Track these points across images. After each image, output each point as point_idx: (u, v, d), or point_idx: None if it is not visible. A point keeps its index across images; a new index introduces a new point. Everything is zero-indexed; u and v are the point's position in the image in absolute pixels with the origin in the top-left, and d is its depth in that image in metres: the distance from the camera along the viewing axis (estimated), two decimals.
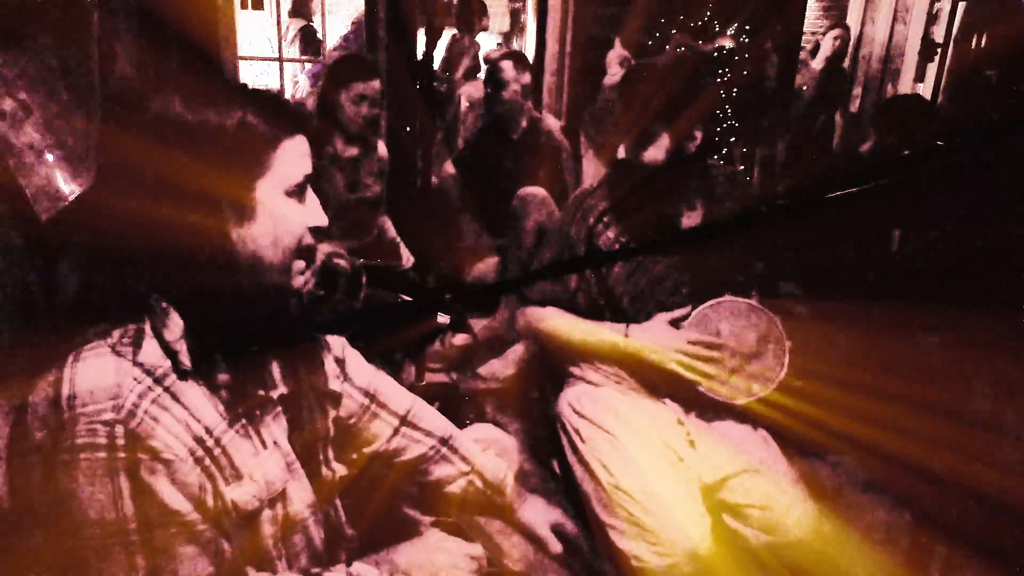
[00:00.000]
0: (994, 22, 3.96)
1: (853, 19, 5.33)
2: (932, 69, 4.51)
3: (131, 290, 0.91)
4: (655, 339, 1.62)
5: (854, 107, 5.26)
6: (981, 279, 1.94)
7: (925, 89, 4.57)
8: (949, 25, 4.34)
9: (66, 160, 1.42)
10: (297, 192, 0.98)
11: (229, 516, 0.94)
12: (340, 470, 1.25)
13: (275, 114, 0.96)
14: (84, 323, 0.91)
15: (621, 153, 1.72)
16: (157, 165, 0.89)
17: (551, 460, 1.83)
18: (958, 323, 1.94)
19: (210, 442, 0.91)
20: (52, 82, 1.44)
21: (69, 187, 1.40)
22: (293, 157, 0.97)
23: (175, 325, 0.91)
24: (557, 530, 1.36)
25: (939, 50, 4.46)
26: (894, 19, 4.95)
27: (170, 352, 0.90)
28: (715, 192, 1.78)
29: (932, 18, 4.62)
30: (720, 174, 1.83)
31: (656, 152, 1.66)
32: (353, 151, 2.74)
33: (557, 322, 1.76)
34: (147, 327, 0.90)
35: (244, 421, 0.97)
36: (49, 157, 1.39)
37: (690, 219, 1.76)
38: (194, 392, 0.91)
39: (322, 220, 1.01)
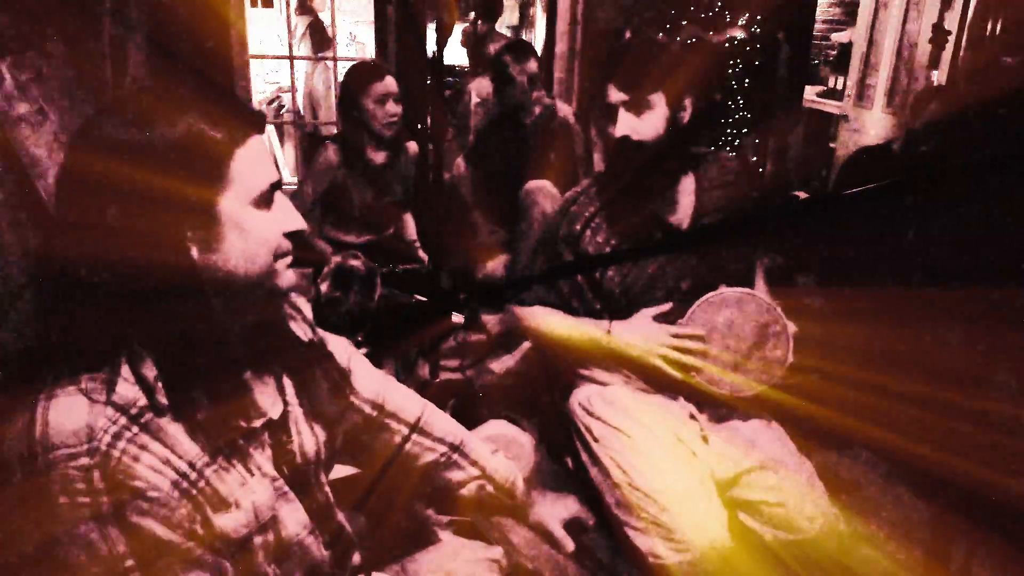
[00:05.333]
0: (1010, 7, 3.90)
1: (865, 6, 5.27)
2: (947, 56, 4.44)
3: (103, 328, 0.87)
4: (637, 335, 1.61)
5: (868, 97, 5.21)
6: (1004, 274, 1.92)
7: (940, 77, 4.50)
8: (964, 11, 4.28)
9: None
10: (264, 201, 0.91)
11: (220, 543, 0.92)
12: (347, 471, 1.25)
13: (224, 116, 0.88)
14: (57, 358, 0.87)
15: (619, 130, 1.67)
16: (111, 195, 0.83)
17: (566, 457, 1.83)
18: (979, 316, 1.92)
19: (193, 476, 0.89)
20: (66, 85, 1.45)
21: None
22: (252, 164, 0.89)
23: (150, 360, 0.87)
24: (572, 528, 1.37)
25: (949, 37, 4.39)
26: (908, 5, 4.88)
27: (146, 388, 0.86)
28: (704, 182, 1.76)
29: (947, 3, 4.55)
30: (711, 162, 1.80)
31: (653, 126, 1.63)
32: (382, 157, 2.77)
33: (541, 320, 1.76)
34: (122, 365, 0.86)
35: (227, 451, 0.94)
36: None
37: (680, 213, 1.75)
38: (173, 427, 0.88)
39: (298, 224, 0.95)
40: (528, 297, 1.80)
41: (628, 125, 1.63)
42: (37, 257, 1.21)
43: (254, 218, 0.90)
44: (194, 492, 0.89)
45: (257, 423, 0.99)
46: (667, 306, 1.64)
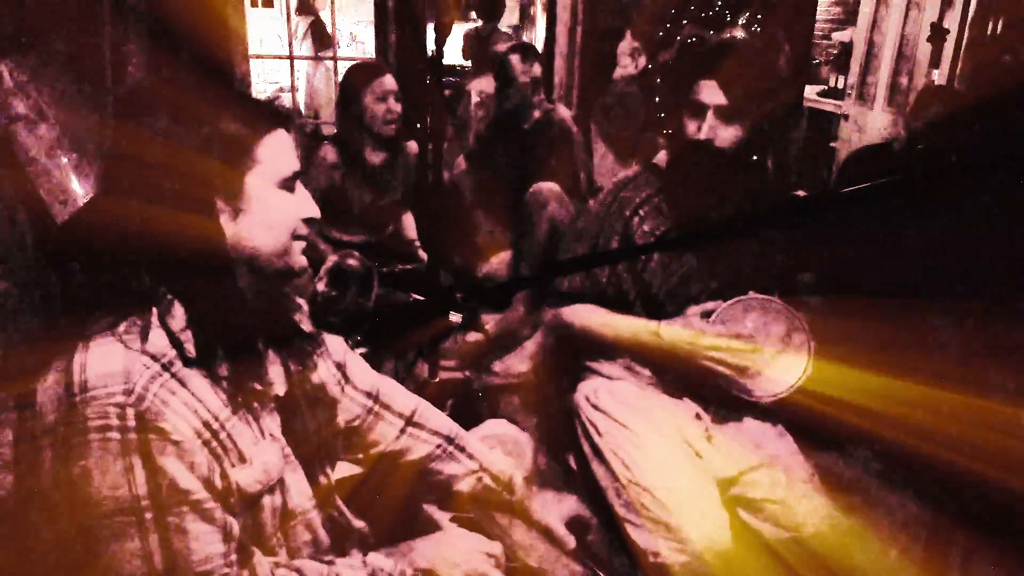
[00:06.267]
0: (1011, 5, 3.90)
1: (866, 5, 5.26)
2: (948, 55, 4.44)
3: (136, 285, 0.95)
4: (688, 333, 1.60)
5: (868, 96, 5.21)
6: (1004, 273, 1.92)
7: (940, 76, 4.50)
8: (965, 9, 4.28)
9: (80, 162, 1.43)
10: (287, 186, 1.02)
11: (234, 497, 0.97)
12: (348, 470, 1.26)
13: (253, 114, 1.00)
14: (90, 316, 0.95)
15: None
16: (153, 173, 0.94)
17: (567, 455, 1.83)
18: (979, 315, 1.92)
19: (216, 426, 0.95)
20: (65, 85, 1.45)
21: (83, 189, 1.41)
22: (277, 151, 1.00)
23: (179, 315, 0.94)
24: (573, 526, 1.37)
25: (948, 35, 4.39)
26: (908, 4, 4.88)
27: (175, 341, 0.93)
28: (756, 190, 1.75)
29: (947, 3, 4.55)
30: (766, 171, 1.79)
31: (736, 135, 1.62)
32: (381, 157, 2.77)
33: (591, 318, 1.73)
34: (153, 318, 0.93)
35: (244, 411, 1.00)
36: (63, 160, 1.40)
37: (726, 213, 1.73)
38: (199, 380, 0.94)
39: (314, 212, 1.04)
40: (564, 285, 1.78)
41: (714, 130, 1.61)
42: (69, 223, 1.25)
43: (277, 197, 1.00)
44: (215, 444, 0.94)
45: (268, 390, 1.05)
46: (713, 304, 1.63)
